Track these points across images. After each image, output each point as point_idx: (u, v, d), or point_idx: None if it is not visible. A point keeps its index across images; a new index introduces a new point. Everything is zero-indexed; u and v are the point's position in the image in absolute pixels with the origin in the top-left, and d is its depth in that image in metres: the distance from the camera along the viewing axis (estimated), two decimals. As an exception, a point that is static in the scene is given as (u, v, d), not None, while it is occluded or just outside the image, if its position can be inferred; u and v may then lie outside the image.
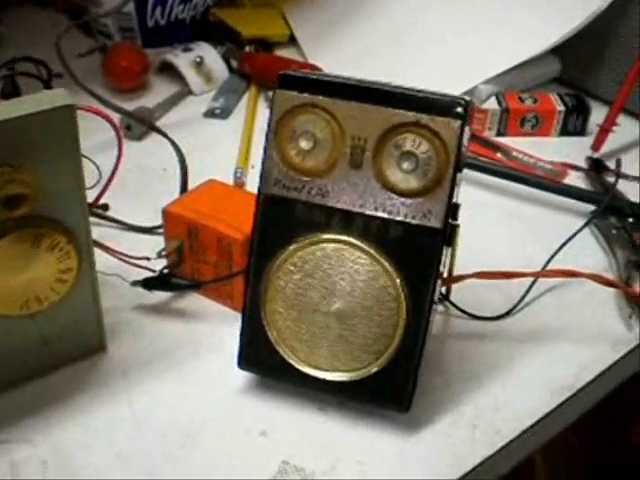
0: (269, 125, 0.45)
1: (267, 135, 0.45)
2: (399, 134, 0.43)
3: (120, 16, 0.91)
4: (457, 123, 0.42)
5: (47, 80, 0.77)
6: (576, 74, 0.86)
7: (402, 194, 0.44)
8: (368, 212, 0.45)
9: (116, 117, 0.75)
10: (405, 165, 0.43)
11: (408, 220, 0.44)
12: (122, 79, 0.84)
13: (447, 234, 0.44)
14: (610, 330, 0.56)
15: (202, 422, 0.48)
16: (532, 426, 0.48)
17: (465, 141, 0.44)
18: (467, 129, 0.44)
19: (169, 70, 0.88)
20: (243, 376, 0.50)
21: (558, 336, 0.55)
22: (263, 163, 0.46)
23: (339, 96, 0.44)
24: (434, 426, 0.48)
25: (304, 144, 0.45)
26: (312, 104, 0.44)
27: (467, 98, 0.43)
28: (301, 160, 0.45)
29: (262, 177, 0.46)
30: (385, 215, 0.44)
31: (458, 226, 0.47)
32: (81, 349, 0.51)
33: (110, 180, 0.51)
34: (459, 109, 0.42)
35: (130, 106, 0.79)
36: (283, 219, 0.46)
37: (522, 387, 0.51)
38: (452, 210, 0.44)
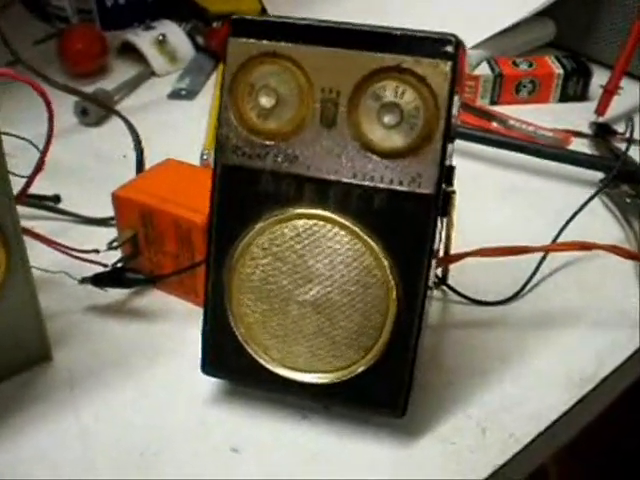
0: (223, 82, 0.38)
1: (221, 94, 0.38)
2: (378, 82, 0.36)
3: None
4: (448, 65, 0.35)
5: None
6: (572, 37, 0.79)
7: (385, 155, 0.37)
8: (346, 179, 0.37)
9: (71, 100, 0.69)
10: (387, 119, 0.36)
11: (394, 186, 0.37)
12: (78, 62, 0.77)
13: (441, 201, 0.37)
14: (632, 310, 0.49)
15: (162, 439, 0.41)
16: (550, 426, 0.41)
17: (456, 99, 0.37)
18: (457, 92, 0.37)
19: (131, 51, 0.81)
20: (209, 383, 0.43)
21: (573, 320, 0.48)
22: (219, 128, 0.39)
23: (304, 41, 0.37)
24: (436, 432, 0.41)
25: (265, 101, 0.37)
26: (273, 53, 0.37)
27: (457, 36, 0.35)
28: (263, 121, 0.38)
29: (218, 144, 0.39)
30: (366, 182, 0.37)
31: (454, 193, 0.39)
32: (21, 359, 0.44)
33: (41, 163, 0.44)
34: (449, 48, 0.35)
35: (88, 90, 0.72)
36: (246, 193, 0.39)
37: (535, 382, 0.44)
38: (446, 173, 0.37)
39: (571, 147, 0.65)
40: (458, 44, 0.35)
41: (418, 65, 0.35)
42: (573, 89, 0.72)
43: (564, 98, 0.72)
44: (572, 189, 0.60)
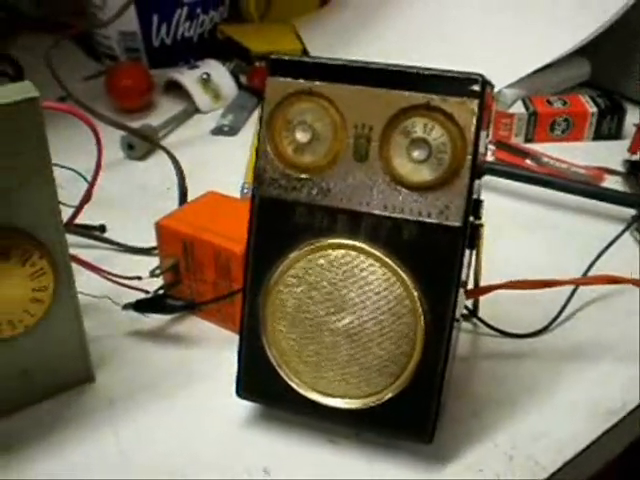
0: (261, 118, 0.40)
1: (259, 129, 0.40)
2: (408, 119, 0.38)
3: (125, 37, 0.88)
4: (474, 103, 0.37)
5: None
6: (606, 76, 0.80)
7: (414, 188, 0.38)
8: (377, 211, 0.39)
9: (118, 135, 0.71)
10: (416, 154, 0.38)
11: (423, 218, 0.38)
12: (125, 98, 0.80)
13: (468, 233, 0.38)
14: (661, 344, 0.49)
15: (197, 459, 0.42)
16: (576, 456, 0.42)
17: (484, 137, 0.38)
18: (486, 119, 0.38)
19: (176, 89, 0.84)
20: (243, 406, 0.44)
21: (602, 353, 0.49)
22: (257, 161, 0.41)
23: (338, 80, 0.39)
24: (463, 459, 0.42)
25: (301, 136, 0.39)
26: (309, 91, 0.39)
27: (484, 75, 0.37)
28: (299, 155, 0.40)
29: (256, 177, 0.41)
30: (396, 214, 0.39)
31: (482, 226, 0.41)
32: (65, 379, 0.46)
33: (89, 194, 0.46)
34: (475, 87, 0.37)
35: (135, 126, 0.75)
36: (281, 224, 0.40)
37: (563, 412, 0.45)
38: (473, 206, 0.39)
39: (604, 184, 0.66)
40: (485, 83, 0.37)
41: (446, 103, 0.37)
42: (607, 127, 0.73)
43: (598, 136, 0.73)
44: (603, 225, 0.60)
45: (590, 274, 0.53)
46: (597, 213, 0.62)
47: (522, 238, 0.60)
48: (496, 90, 0.73)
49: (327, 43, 0.90)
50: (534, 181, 0.63)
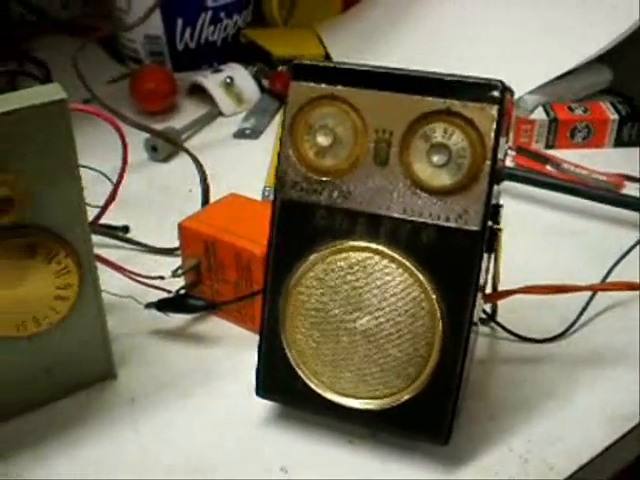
0: (283, 121, 0.41)
1: (282, 133, 0.41)
2: (428, 124, 0.38)
3: (150, 40, 0.89)
4: (494, 108, 0.37)
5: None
6: (628, 83, 0.80)
7: (434, 192, 0.39)
8: (396, 215, 0.39)
9: (141, 137, 0.72)
10: (436, 158, 0.38)
11: (441, 222, 0.39)
12: (149, 101, 0.81)
13: (487, 238, 0.39)
14: (679, 352, 0.49)
15: (216, 457, 0.43)
16: (591, 461, 0.42)
17: (503, 143, 0.39)
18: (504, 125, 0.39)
19: (199, 92, 0.85)
20: (262, 405, 0.45)
21: (619, 360, 0.49)
22: (279, 164, 0.41)
23: (360, 85, 0.39)
24: (479, 461, 0.42)
25: (322, 140, 0.40)
26: (331, 95, 0.40)
27: (504, 81, 0.38)
28: (320, 159, 0.40)
29: (278, 180, 0.42)
30: (415, 217, 0.39)
31: (500, 230, 0.41)
32: (87, 376, 0.47)
33: (115, 194, 0.47)
34: (495, 93, 0.37)
35: (158, 128, 0.75)
36: (302, 226, 0.41)
37: (579, 417, 0.45)
38: (492, 211, 0.39)
39: (624, 191, 0.66)
40: (504, 89, 0.37)
41: (466, 108, 0.38)
42: (628, 134, 0.73)
43: (619, 143, 0.73)
44: (623, 232, 0.60)
45: (608, 280, 0.53)
46: (617, 220, 0.62)
47: (541, 243, 0.60)
48: (517, 96, 0.73)
49: (349, 48, 0.90)
50: (554, 187, 0.63)
